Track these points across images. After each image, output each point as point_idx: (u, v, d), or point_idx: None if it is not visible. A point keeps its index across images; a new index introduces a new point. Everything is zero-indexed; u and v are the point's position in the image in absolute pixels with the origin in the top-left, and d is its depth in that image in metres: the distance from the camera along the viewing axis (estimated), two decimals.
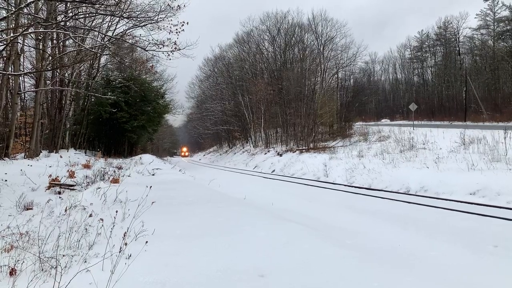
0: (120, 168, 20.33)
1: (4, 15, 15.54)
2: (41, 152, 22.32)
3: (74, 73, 28.41)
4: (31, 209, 8.44)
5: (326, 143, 31.92)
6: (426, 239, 6.95)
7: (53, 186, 11.64)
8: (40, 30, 14.57)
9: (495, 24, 57.28)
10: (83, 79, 31.94)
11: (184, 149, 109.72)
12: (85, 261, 4.50)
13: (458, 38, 65.19)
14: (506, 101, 45.79)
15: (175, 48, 13.87)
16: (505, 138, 14.80)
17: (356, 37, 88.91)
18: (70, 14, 19.56)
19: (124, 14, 16.55)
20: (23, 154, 21.10)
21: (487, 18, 58.45)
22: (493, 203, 10.15)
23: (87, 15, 20.97)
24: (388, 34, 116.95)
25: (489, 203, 10.21)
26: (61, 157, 22.32)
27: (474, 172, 12.66)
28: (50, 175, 13.20)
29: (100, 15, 21.02)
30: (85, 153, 31.12)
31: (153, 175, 18.87)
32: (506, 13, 54.98)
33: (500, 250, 6.15)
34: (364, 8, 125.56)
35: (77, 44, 19.55)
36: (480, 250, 6.18)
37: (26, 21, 17.93)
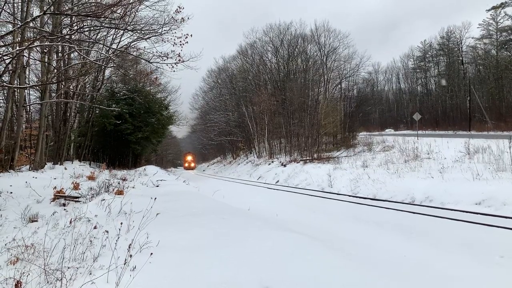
0: (124, 179, 20.34)
1: (11, 29, 15.77)
2: (46, 164, 22.43)
3: (79, 86, 28.62)
4: (36, 221, 8.46)
5: (330, 154, 31.88)
6: (432, 250, 6.90)
7: (58, 198, 11.67)
8: (46, 43, 14.72)
9: (498, 33, 57.42)
10: (87, 91, 32.22)
11: (189, 157, 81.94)
12: (90, 273, 4.50)
13: (461, 47, 65.35)
14: (511, 110, 45.68)
15: (179, 60, 13.98)
16: (510, 147, 14.73)
17: (361, 45, 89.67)
18: (75, 27, 19.77)
19: (129, 27, 16.75)
20: (28, 166, 21.19)
21: (490, 28, 58.65)
22: (498, 213, 10.08)
23: (92, 28, 21.20)
24: (395, 40, 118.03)
25: (494, 213, 10.14)
26: (65, 169, 22.40)
27: (479, 182, 12.61)
28: (55, 187, 13.26)
29: (104, 28, 21.26)
30: (90, 164, 31.22)
31: (157, 186, 18.88)
32: (508, 22, 55.24)
33: (506, 261, 6.10)
34: (371, 13, 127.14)
35: (82, 56, 19.77)
36: (486, 260, 6.13)
37: (31, 34, 18.16)
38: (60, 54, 25.02)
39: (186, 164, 79.84)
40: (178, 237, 6.55)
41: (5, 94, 20.82)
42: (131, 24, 17.24)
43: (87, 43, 20.18)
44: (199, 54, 16.44)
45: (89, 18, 14.12)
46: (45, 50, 20.67)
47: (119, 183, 17.50)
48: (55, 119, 27.51)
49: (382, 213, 11.62)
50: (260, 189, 23.00)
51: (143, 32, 18.17)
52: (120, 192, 13.19)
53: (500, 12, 56.21)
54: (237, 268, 4.94)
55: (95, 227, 7.04)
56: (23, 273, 4.31)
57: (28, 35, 18.16)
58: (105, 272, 4.39)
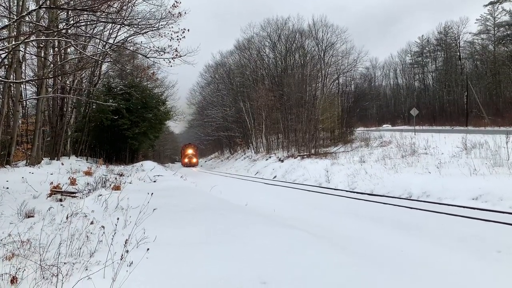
0: (121, 175, 20.31)
1: (6, 23, 15.64)
2: (42, 159, 22.34)
3: (76, 81, 28.50)
4: (32, 216, 8.43)
5: (327, 149, 31.90)
6: (430, 245, 6.90)
7: (54, 194, 11.63)
8: (42, 38, 14.64)
9: (495, 29, 57.43)
10: (84, 86, 32.08)
11: (189, 151, 63.95)
12: (87, 269, 4.47)
13: (459, 43, 65.37)
14: (508, 106, 45.78)
15: (176, 55, 13.91)
16: (507, 142, 14.75)
17: (359, 40, 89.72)
18: (72, 22, 19.60)
19: (125, 22, 16.61)
20: (24, 162, 21.12)
21: (487, 23, 58.62)
22: (495, 208, 10.10)
23: (89, 23, 21.03)
24: (392, 35, 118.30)
25: (491, 208, 10.16)
26: (62, 164, 22.33)
27: (476, 177, 12.61)
28: (52, 183, 13.21)
29: (101, 23, 21.11)
30: (87, 160, 31.16)
31: (154, 181, 18.84)
32: (506, 18, 55.20)
33: (503, 256, 6.11)
34: (370, 8, 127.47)
35: (78, 51, 19.62)
36: (484, 255, 6.14)
37: (27, 29, 18.03)
38: (56, 49, 24.82)
39: (186, 160, 62.91)
40: (176, 233, 6.53)
41: (1, 89, 20.68)
42: (128, 18, 17.09)
43: (83, 38, 20.06)
44: (196, 48, 16.31)
45: (85, 12, 14.01)
46: (41, 45, 20.53)
47: (116, 178, 17.46)
48: (52, 114, 27.39)
49: (380, 209, 11.62)
50: (258, 185, 23.00)
51: (139, 26, 18.03)
52: (117, 188, 13.17)
53: (497, 7, 56.20)
54: (234, 264, 4.92)
55: (91, 223, 7.00)
56: (19, 268, 4.27)
57: (24, 29, 18.04)
58: (102, 267, 4.36)
